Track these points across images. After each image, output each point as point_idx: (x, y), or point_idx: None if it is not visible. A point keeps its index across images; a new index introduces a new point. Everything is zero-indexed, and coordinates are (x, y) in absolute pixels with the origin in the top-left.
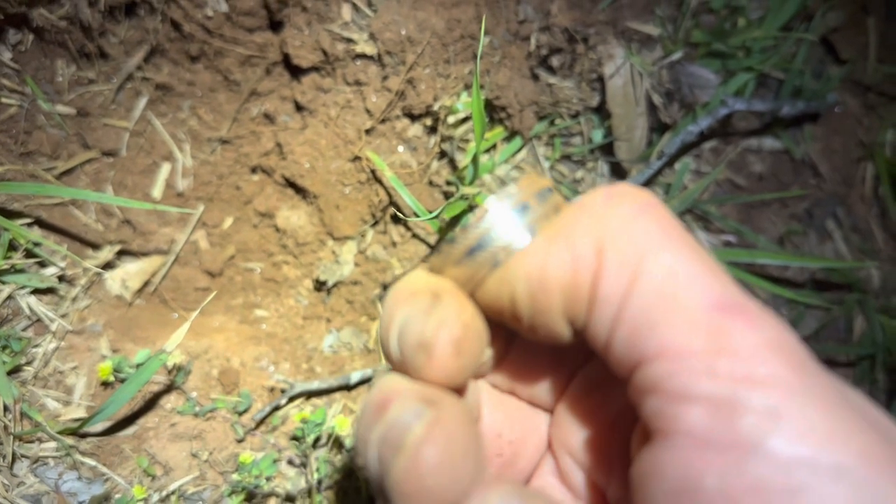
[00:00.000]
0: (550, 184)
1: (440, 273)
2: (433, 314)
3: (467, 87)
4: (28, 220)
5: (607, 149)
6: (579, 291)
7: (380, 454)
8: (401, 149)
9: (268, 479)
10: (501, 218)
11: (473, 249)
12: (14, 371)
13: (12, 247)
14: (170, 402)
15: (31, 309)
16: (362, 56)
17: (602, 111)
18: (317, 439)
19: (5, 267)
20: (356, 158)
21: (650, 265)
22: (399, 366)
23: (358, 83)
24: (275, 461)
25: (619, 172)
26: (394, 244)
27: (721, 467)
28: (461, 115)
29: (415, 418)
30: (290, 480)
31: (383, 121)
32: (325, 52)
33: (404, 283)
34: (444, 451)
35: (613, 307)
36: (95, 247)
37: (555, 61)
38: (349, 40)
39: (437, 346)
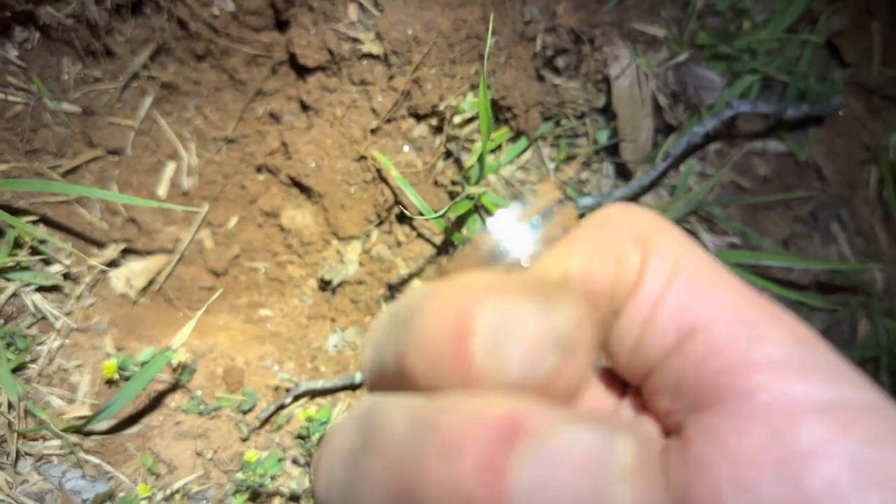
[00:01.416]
0: (562, 195)
1: None
2: (560, 308)
3: (473, 87)
4: (33, 218)
5: (613, 150)
6: (623, 283)
7: None
8: (406, 148)
9: (272, 478)
10: (512, 232)
11: (486, 263)
12: (18, 369)
13: (17, 244)
14: (174, 400)
15: (35, 306)
16: (368, 56)
17: (608, 112)
18: (321, 438)
19: (10, 264)
20: (362, 158)
21: (689, 257)
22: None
23: (364, 83)
24: (279, 460)
25: (624, 173)
26: (399, 244)
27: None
28: (467, 115)
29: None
30: (294, 479)
31: (389, 120)
32: (331, 52)
33: (445, 292)
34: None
35: (657, 289)
36: (100, 245)
37: (560, 62)
38: (355, 40)
39: (579, 344)
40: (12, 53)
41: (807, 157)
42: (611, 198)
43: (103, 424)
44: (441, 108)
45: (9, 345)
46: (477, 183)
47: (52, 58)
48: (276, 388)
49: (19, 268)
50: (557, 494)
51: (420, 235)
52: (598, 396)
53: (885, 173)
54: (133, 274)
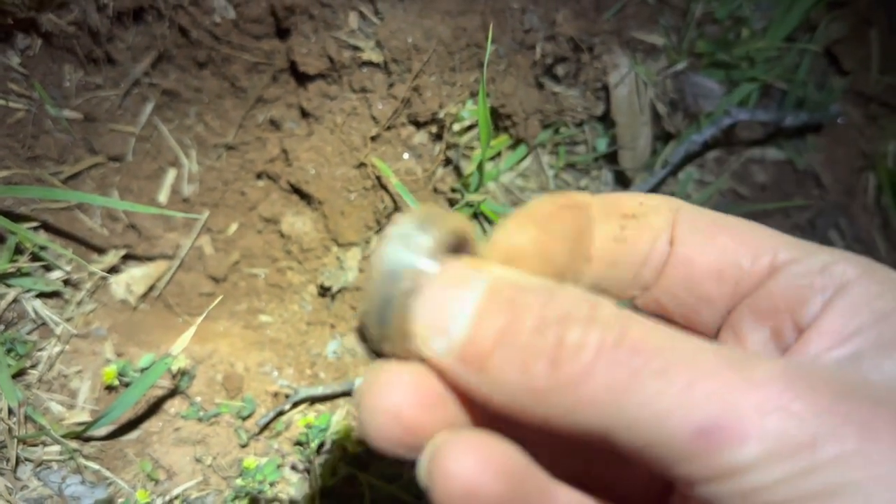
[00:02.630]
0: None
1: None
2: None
3: (472, 94)
4: (34, 224)
5: (612, 157)
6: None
7: None
8: (406, 156)
9: (271, 484)
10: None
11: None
12: (19, 374)
13: (18, 250)
14: (174, 406)
15: (36, 312)
16: (368, 63)
17: (606, 120)
18: (321, 445)
19: (11, 270)
20: (361, 165)
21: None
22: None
23: (364, 90)
24: (278, 466)
25: (623, 181)
26: None
27: None
28: (466, 123)
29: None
30: (293, 486)
31: (389, 128)
32: (331, 60)
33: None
34: None
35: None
36: (101, 251)
37: (560, 70)
38: (356, 48)
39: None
40: (14, 60)
41: (805, 164)
42: None
43: (103, 430)
44: (441, 115)
45: (9, 350)
46: (476, 190)
47: (53, 65)
48: (276, 395)
49: (20, 274)
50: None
51: None
52: None
53: (883, 180)
54: (133, 280)
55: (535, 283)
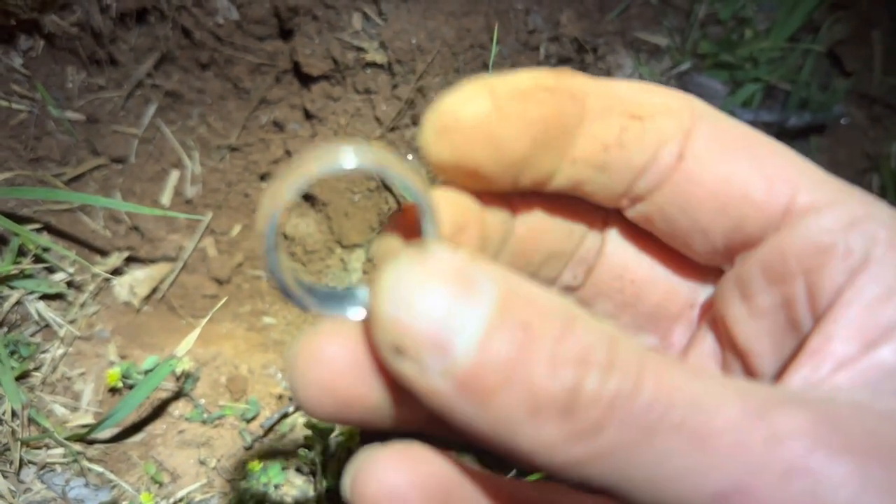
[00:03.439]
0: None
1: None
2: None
3: None
4: (37, 226)
5: None
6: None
7: None
8: (410, 157)
9: (276, 486)
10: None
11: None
12: (22, 377)
13: (21, 252)
14: (178, 408)
15: (39, 314)
16: (372, 64)
17: None
18: (325, 447)
19: (14, 272)
20: None
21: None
22: None
23: (368, 91)
24: (283, 469)
25: None
26: None
27: None
28: None
29: None
30: (298, 488)
31: (393, 129)
32: (335, 61)
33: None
34: None
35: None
36: (104, 253)
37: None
38: (359, 49)
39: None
40: (17, 62)
41: None
42: None
43: (107, 433)
44: None
45: (13, 353)
46: None
47: (56, 66)
48: (280, 397)
49: (23, 276)
50: None
51: None
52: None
53: (886, 181)
54: (136, 282)
55: (551, 304)
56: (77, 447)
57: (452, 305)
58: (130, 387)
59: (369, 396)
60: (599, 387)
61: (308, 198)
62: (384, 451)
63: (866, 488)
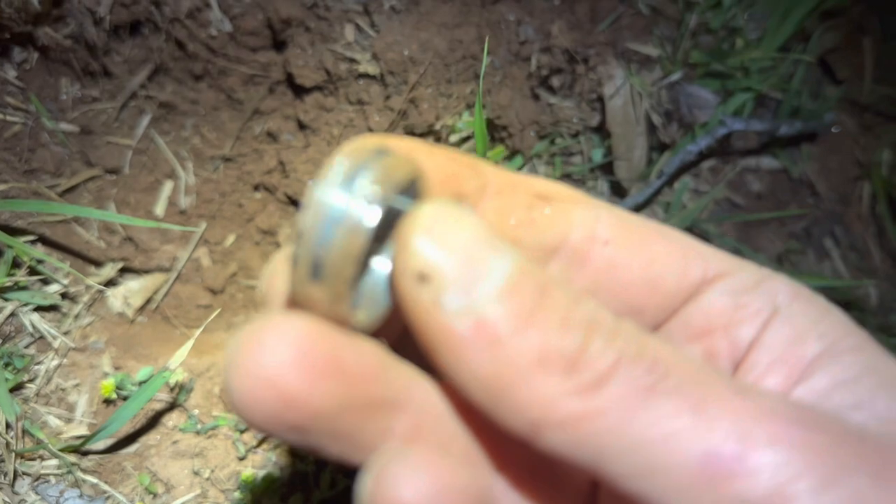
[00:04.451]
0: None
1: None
2: None
3: (469, 106)
4: (31, 238)
5: (607, 168)
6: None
7: None
8: None
9: (270, 498)
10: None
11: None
12: (16, 388)
13: (15, 264)
14: (172, 419)
15: (33, 326)
16: (365, 76)
17: (602, 131)
18: (319, 458)
19: (8, 284)
20: None
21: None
22: None
23: (360, 102)
24: (277, 479)
25: (619, 191)
26: None
27: None
28: (463, 135)
29: None
30: (292, 500)
31: None
32: (328, 72)
33: None
34: None
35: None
36: (98, 264)
37: (555, 81)
38: (352, 60)
39: None
40: (11, 74)
41: (800, 173)
42: None
43: (101, 444)
44: (437, 127)
45: (7, 364)
46: None
47: (50, 78)
48: None
49: (17, 287)
50: None
51: None
52: None
53: (878, 189)
54: (131, 293)
55: (559, 281)
56: (71, 458)
57: (482, 251)
58: (125, 398)
59: (318, 398)
60: (605, 346)
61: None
62: (412, 457)
63: (846, 464)
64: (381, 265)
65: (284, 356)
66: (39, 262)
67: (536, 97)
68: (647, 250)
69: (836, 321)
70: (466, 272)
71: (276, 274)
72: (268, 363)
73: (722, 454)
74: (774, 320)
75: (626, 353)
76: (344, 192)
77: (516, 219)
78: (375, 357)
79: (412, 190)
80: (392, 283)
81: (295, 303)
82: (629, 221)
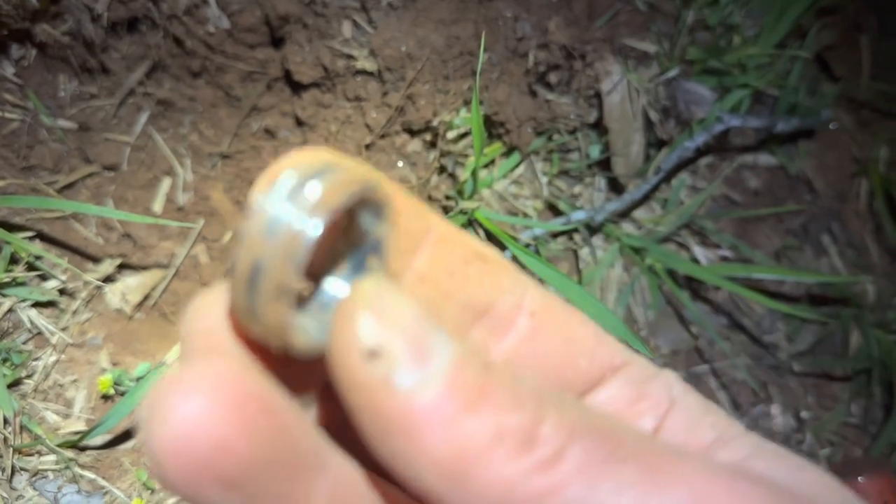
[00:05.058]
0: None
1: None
2: None
3: (466, 102)
4: (29, 234)
5: (605, 164)
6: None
7: None
8: (400, 164)
9: None
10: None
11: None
12: (14, 384)
13: (14, 260)
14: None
15: (31, 322)
16: (362, 72)
17: (599, 127)
18: None
19: (7, 280)
20: None
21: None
22: None
23: (358, 99)
24: None
25: (616, 187)
26: None
27: None
28: (460, 131)
29: None
30: None
31: (383, 136)
32: (325, 69)
33: None
34: None
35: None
36: (96, 260)
37: (553, 78)
38: (349, 57)
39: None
40: (9, 71)
41: (797, 170)
42: (603, 211)
43: (99, 439)
44: (434, 123)
45: (5, 360)
46: (471, 197)
47: (48, 75)
48: None
49: (15, 283)
50: None
51: None
52: None
53: (875, 185)
54: (128, 289)
55: (499, 362)
56: (69, 454)
57: (427, 329)
58: (122, 393)
59: (248, 443)
60: (558, 420)
61: None
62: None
63: None
64: (334, 287)
65: (215, 400)
66: (38, 258)
67: (534, 93)
68: (567, 329)
69: (721, 413)
70: (416, 349)
71: (199, 313)
72: (197, 408)
73: None
74: (672, 410)
75: (578, 424)
76: (288, 203)
77: (452, 270)
78: (300, 410)
79: (371, 207)
80: (330, 359)
81: (232, 316)
82: (551, 299)
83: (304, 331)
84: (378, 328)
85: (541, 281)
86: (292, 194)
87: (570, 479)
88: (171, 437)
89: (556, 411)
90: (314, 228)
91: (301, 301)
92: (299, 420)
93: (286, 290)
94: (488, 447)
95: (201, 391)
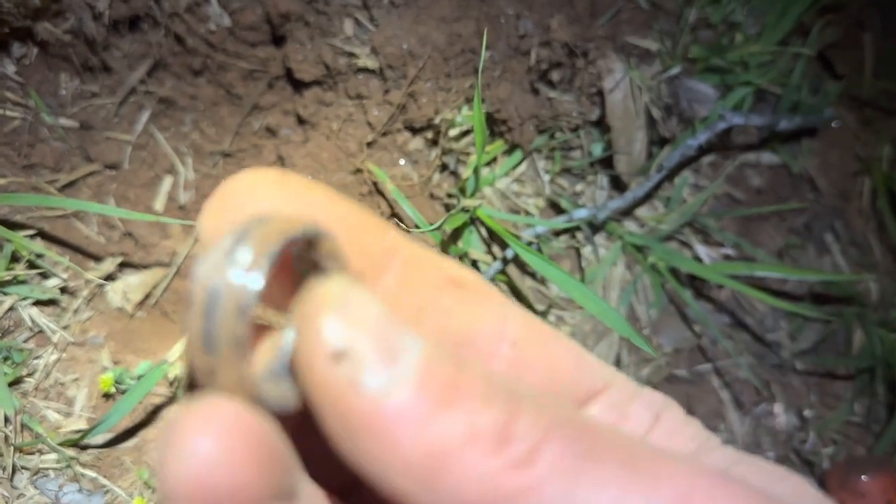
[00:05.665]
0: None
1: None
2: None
3: (468, 100)
4: (31, 232)
5: (607, 162)
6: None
7: None
8: (402, 162)
9: None
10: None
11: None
12: (15, 382)
13: (15, 258)
14: (171, 413)
15: (32, 320)
16: (364, 70)
17: (602, 125)
18: None
19: (8, 278)
20: (358, 171)
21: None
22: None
23: (360, 97)
24: None
25: (618, 185)
26: None
27: None
28: (462, 129)
29: None
30: None
31: (385, 134)
32: (327, 67)
33: None
34: None
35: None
36: (97, 259)
37: (555, 75)
38: (351, 54)
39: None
40: (10, 69)
41: (800, 168)
42: (606, 209)
43: (100, 438)
44: (436, 121)
45: (5, 358)
46: (472, 195)
47: (49, 73)
48: None
49: (16, 282)
50: None
51: None
52: None
53: (878, 184)
54: (130, 288)
55: (469, 361)
56: (70, 452)
57: (394, 328)
58: (123, 392)
59: (257, 480)
60: (533, 417)
61: None
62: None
63: None
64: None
65: (231, 441)
66: (39, 256)
67: (536, 91)
68: (549, 356)
69: (699, 427)
70: (383, 349)
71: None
72: (215, 450)
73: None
74: (655, 427)
75: (554, 421)
76: (225, 264)
77: (424, 301)
78: (283, 442)
79: (316, 247)
80: (295, 362)
81: (201, 379)
82: (534, 323)
83: (270, 385)
84: (343, 328)
85: (543, 279)
86: (228, 256)
87: (547, 476)
88: (188, 477)
89: (530, 408)
90: (253, 284)
91: (266, 359)
92: (292, 456)
93: (239, 350)
94: (461, 446)
95: (217, 432)
